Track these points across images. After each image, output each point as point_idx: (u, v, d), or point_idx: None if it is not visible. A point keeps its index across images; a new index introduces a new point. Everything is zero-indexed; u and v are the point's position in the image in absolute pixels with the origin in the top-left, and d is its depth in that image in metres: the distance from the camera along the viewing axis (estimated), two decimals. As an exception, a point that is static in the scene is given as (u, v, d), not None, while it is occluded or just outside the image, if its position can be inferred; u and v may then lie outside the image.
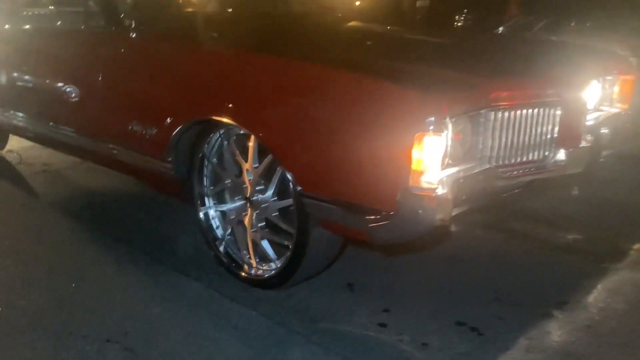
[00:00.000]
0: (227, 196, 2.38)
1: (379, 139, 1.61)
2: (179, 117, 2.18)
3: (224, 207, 2.36)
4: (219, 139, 2.23)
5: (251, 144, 2.08)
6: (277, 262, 2.20)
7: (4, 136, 4.22)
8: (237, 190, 2.26)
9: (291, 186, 1.91)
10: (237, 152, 2.17)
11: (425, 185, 1.55)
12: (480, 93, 1.73)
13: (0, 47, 3.32)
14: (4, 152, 4.40)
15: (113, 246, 2.74)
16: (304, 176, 1.82)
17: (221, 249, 2.37)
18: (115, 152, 2.58)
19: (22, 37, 3.24)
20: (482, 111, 1.75)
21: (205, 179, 2.33)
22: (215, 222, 2.39)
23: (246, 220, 2.23)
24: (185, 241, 2.78)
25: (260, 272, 2.25)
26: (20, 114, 3.28)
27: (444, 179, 1.58)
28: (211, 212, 2.38)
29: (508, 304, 2.22)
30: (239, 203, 2.29)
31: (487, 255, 2.63)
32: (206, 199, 2.36)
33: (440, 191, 1.55)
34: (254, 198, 2.17)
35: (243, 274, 2.29)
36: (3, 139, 4.28)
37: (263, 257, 2.28)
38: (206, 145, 2.25)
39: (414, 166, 1.54)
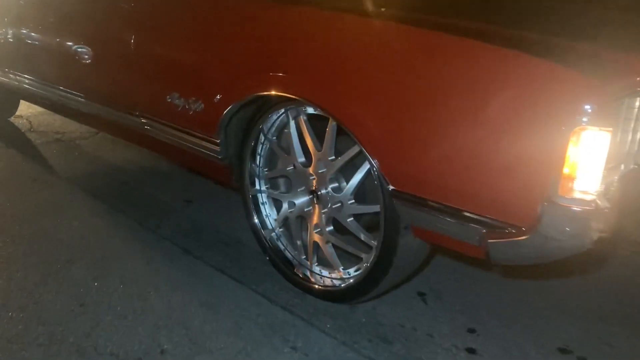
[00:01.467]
0: (283, 184, 2.00)
1: (517, 131, 1.21)
2: (234, 91, 1.77)
3: (281, 196, 1.98)
4: (282, 115, 1.83)
5: (329, 128, 1.67)
6: (346, 271, 1.83)
7: (14, 102, 3.85)
8: (301, 180, 1.87)
9: (380, 185, 1.52)
10: (309, 135, 1.76)
11: (579, 195, 1.16)
12: (633, 74, 1.32)
13: (10, 1, 2.90)
14: (12, 118, 4.02)
15: (139, 233, 2.39)
16: (402, 173, 1.42)
17: (269, 239, 2.02)
18: (147, 127, 2.19)
19: None
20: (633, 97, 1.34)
21: (259, 157, 1.95)
22: (265, 209, 2.02)
23: (310, 218, 1.84)
24: (222, 230, 2.42)
25: (328, 280, 1.87)
26: (32, 78, 2.89)
27: (602, 186, 1.19)
28: (262, 197, 2.01)
29: (617, 326, 1.85)
30: (302, 197, 1.90)
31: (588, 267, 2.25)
32: (257, 181, 1.98)
33: (598, 203, 1.16)
34: (323, 192, 1.77)
35: (300, 278, 1.92)
36: (13, 105, 3.90)
37: (322, 262, 1.91)
38: (265, 122, 1.85)
39: (566, 170, 1.15)
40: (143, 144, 2.42)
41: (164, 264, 2.16)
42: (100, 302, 1.90)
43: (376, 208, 1.59)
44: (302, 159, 1.82)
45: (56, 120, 4.00)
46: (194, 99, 1.84)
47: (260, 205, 2.03)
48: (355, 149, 1.60)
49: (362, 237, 1.71)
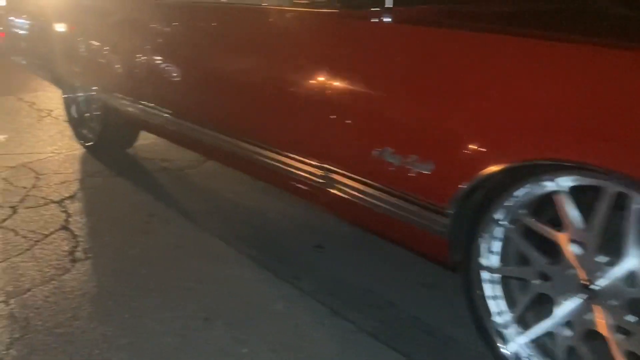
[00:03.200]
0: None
1: None
2: (495, 153, 1.36)
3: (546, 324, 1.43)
4: (539, 187, 1.35)
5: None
6: None
7: (133, 133, 3.63)
8: (563, 281, 1.37)
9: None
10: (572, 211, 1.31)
11: None
12: None
13: (143, 24, 2.73)
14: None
15: (278, 287, 2.14)
16: None
17: None
18: (333, 182, 1.81)
19: (176, 12, 2.62)
20: None
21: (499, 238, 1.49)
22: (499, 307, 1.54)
23: (600, 328, 1.31)
24: (366, 287, 2.13)
25: None
26: (164, 110, 2.68)
27: None
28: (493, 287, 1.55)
29: None
30: (572, 303, 1.36)
31: None
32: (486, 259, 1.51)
33: None
34: (598, 287, 1.30)
35: None
36: (133, 137, 3.68)
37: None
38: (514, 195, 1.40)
39: None
40: (319, 200, 2.04)
41: (314, 327, 1.89)
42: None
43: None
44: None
45: (157, 145, 3.84)
46: (418, 157, 1.47)
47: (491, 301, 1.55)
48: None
49: None
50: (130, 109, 2.97)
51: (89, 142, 3.64)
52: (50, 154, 3.64)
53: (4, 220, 2.67)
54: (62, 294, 2.06)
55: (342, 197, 1.78)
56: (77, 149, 3.75)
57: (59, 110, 4.75)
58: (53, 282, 2.15)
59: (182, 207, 2.85)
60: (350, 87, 1.66)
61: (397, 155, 1.48)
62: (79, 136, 3.75)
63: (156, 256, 2.36)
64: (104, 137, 3.50)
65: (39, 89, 5.71)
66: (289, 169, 1.99)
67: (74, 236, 2.52)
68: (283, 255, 2.37)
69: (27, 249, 2.40)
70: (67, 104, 3.84)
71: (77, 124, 3.76)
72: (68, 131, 4.16)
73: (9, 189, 3.05)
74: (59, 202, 2.89)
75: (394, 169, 1.52)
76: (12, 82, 5.94)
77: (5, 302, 2.01)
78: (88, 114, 3.62)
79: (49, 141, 3.92)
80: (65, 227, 2.60)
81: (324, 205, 2.07)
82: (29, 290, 2.09)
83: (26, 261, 2.30)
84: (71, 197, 2.96)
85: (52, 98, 5.26)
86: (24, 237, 2.51)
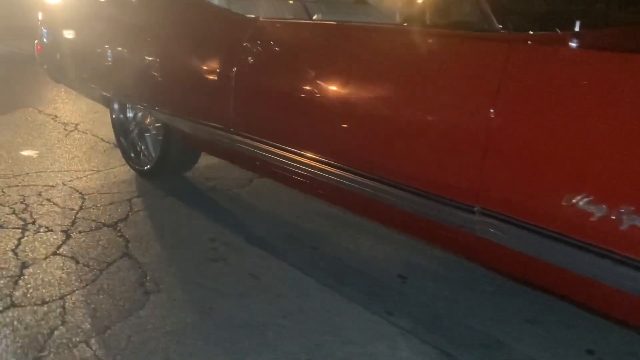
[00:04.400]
0: None
1: None
2: None
3: None
4: None
5: None
6: None
7: (193, 155, 3.36)
8: None
9: None
10: None
11: None
12: None
13: (234, 42, 2.44)
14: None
15: (373, 323, 2.01)
16: None
17: None
18: (490, 230, 1.51)
19: (284, 32, 2.38)
20: None
21: None
22: None
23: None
24: (465, 322, 2.01)
25: None
26: (264, 141, 2.33)
27: None
28: None
29: None
30: None
31: None
32: None
33: None
34: None
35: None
36: (192, 161, 3.40)
37: None
38: None
39: None
40: (453, 243, 1.80)
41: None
42: None
43: None
44: None
45: (199, 162, 3.68)
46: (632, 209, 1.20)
47: None
48: None
49: None
50: (204, 134, 2.67)
51: (144, 167, 3.38)
52: (89, 172, 3.47)
53: (60, 246, 2.50)
54: (145, 332, 1.91)
55: (501, 247, 1.52)
56: (115, 166, 3.59)
57: (85, 123, 4.60)
58: (131, 317, 1.99)
59: (245, 231, 2.70)
60: (531, 120, 1.42)
61: (602, 206, 1.23)
62: (131, 161, 3.48)
63: (233, 287, 2.20)
64: (163, 161, 3.23)
65: (57, 100, 5.55)
66: (427, 209, 1.70)
67: (139, 265, 2.36)
68: (366, 286, 2.24)
69: (93, 280, 2.23)
70: (118, 125, 3.57)
71: (129, 147, 3.51)
72: (100, 146, 4.02)
73: (55, 211, 2.88)
74: (113, 226, 2.72)
75: (597, 221, 1.25)
76: (28, 94, 5.76)
77: (86, 343, 1.85)
78: (145, 137, 3.39)
79: (83, 158, 3.76)
80: (127, 255, 2.44)
81: (465, 252, 1.81)
82: (108, 328, 1.93)
83: (95, 293, 2.14)
84: (124, 220, 2.80)
85: (73, 110, 5.10)
86: (86, 265, 2.34)
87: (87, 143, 4.10)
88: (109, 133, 4.27)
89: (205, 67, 2.57)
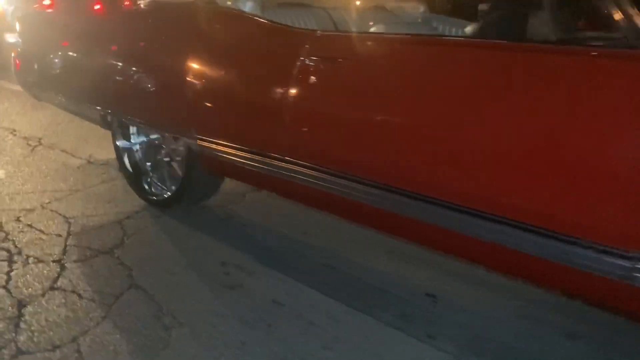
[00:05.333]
0: None
1: None
2: None
3: None
4: None
5: None
6: None
7: (216, 184, 2.93)
8: None
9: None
10: None
11: None
12: None
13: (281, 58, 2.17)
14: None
15: (419, 348, 1.91)
16: None
17: None
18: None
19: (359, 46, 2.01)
20: None
21: None
22: None
23: None
24: (506, 341, 1.94)
25: None
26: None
27: None
28: None
29: None
30: None
31: None
32: None
33: None
34: None
35: None
36: (214, 188, 2.95)
37: None
38: None
39: None
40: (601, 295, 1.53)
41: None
42: None
43: None
44: None
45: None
46: None
47: None
48: None
49: None
50: (246, 162, 2.29)
51: (158, 197, 2.99)
52: (68, 192, 3.22)
53: (56, 279, 2.29)
54: (178, 376, 1.74)
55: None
56: (94, 184, 3.36)
57: (48, 137, 4.32)
58: (158, 359, 1.82)
59: (253, 252, 2.55)
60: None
61: None
62: (141, 190, 3.08)
63: (259, 316, 2.06)
64: (184, 191, 2.82)
65: (12, 112, 5.20)
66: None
67: (150, 297, 2.18)
68: (396, 308, 2.14)
69: (104, 316, 2.04)
70: (123, 150, 3.15)
71: (138, 174, 3.12)
72: (72, 162, 3.76)
73: (41, 238, 2.64)
74: (110, 253, 2.52)
75: None
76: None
77: (115, 392, 1.66)
78: (160, 164, 3.02)
79: (57, 176, 3.49)
80: (133, 285, 2.26)
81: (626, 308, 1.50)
82: (135, 373, 1.75)
83: (110, 332, 1.95)
84: (120, 246, 2.59)
85: (32, 123, 4.79)
86: (92, 300, 2.14)
87: (56, 159, 3.82)
88: (78, 147, 4.04)
89: (253, 88, 2.24)
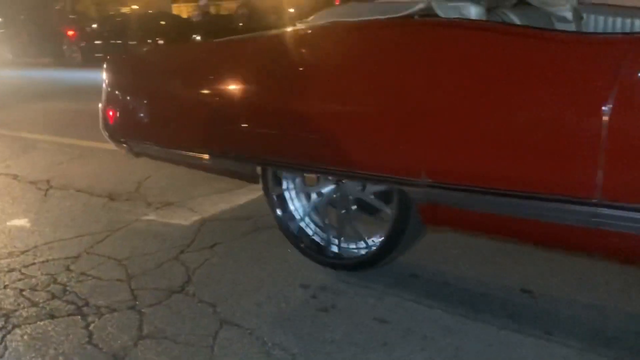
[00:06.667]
0: None
1: None
2: None
3: None
4: None
5: None
6: None
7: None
8: None
9: None
10: None
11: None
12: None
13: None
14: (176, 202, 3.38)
15: (532, 345, 1.87)
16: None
17: None
18: None
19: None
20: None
21: None
22: None
23: None
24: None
25: None
26: None
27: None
28: None
29: None
30: None
31: None
32: None
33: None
34: None
35: None
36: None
37: None
38: None
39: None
40: None
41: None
42: None
43: None
44: None
45: (219, 203, 3.41)
46: None
47: None
48: None
49: None
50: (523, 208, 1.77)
51: (349, 257, 2.44)
52: (106, 233, 3.08)
53: (140, 326, 2.17)
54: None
55: None
56: (130, 222, 3.22)
57: (56, 179, 4.15)
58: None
59: (326, 269, 2.48)
60: None
61: None
62: (317, 251, 2.53)
63: (370, 339, 2.00)
64: (389, 247, 2.29)
65: (3, 158, 4.96)
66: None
67: (248, 330, 2.09)
68: (500, 309, 2.12)
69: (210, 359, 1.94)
70: (291, 202, 2.62)
71: (311, 231, 2.59)
72: (94, 201, 3.59)
73: (101, 285, 2.50)
74: (182, 291, 2.42)
75: None
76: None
77: None
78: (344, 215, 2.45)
79: (85, 218, 3.34)
80: (225, 322, 2.16)
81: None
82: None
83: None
84: (189, 282, 2.48)
85: (31, 165, 4.64)
86: (189, 344, 2.04)
87: (76, 201, 3.66)
88: (91, 185, 3.88)
89: (541, 115, 1.70)
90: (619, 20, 2.51)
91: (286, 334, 2.06)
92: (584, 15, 2.71)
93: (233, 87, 2.54)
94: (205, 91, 2.65)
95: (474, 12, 2.04)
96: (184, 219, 3.22)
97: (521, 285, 2.27)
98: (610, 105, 1.54)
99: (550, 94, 1.68)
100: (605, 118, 1.55)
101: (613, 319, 2.02)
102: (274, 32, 2.72)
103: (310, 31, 2.36)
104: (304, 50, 2.34)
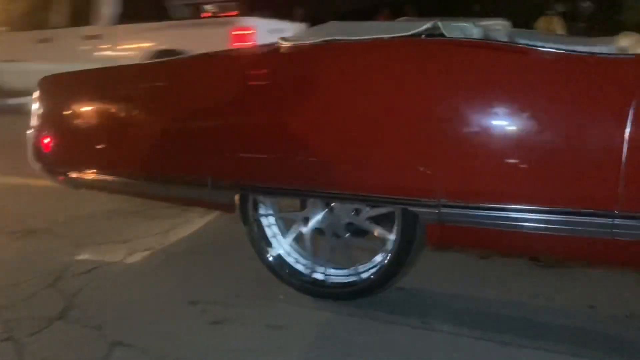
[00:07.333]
0: None
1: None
2: None
3: None
4: None
5: None
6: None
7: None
8: None
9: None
10: None
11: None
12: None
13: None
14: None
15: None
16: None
17: None
18: None
19: None
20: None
21: None
22: None
23: None
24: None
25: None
26: None
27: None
28: None
29: None
30: None
31: None
32: None
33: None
34: None
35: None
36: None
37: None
38: None
39: None
40: None
41: None
42: None
43: None
44: None
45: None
46: None
47: None
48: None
49: None
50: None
51: (353, 281, 2.27)
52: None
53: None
54: None
55: None
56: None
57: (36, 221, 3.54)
58: None
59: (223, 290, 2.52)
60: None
61: None
62: (311, 283, 2.34)
63: (259, 345, 2.08)
64: (392, 272, 2.20)
65: None
66: None
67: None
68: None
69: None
70: (279, 231, 2.43)
71: (297, 256, 2.41)
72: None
73: None
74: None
75: None
76: None
77: None
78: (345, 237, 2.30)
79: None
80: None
81: None
82: None
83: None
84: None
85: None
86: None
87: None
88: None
89: (555, 132, 1.77)
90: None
91: (183, 347, 2.06)
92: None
93: (209, 105, 2.35)
94: (173, 109, 2.43)
95: (475, 32, 2.14)
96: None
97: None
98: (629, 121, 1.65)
99: (570, 111, 1.75)
100: (625, 133, 1.64)
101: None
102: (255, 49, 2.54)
103: (302, 49, 2.23)
104: (300, 69, 2.21)
